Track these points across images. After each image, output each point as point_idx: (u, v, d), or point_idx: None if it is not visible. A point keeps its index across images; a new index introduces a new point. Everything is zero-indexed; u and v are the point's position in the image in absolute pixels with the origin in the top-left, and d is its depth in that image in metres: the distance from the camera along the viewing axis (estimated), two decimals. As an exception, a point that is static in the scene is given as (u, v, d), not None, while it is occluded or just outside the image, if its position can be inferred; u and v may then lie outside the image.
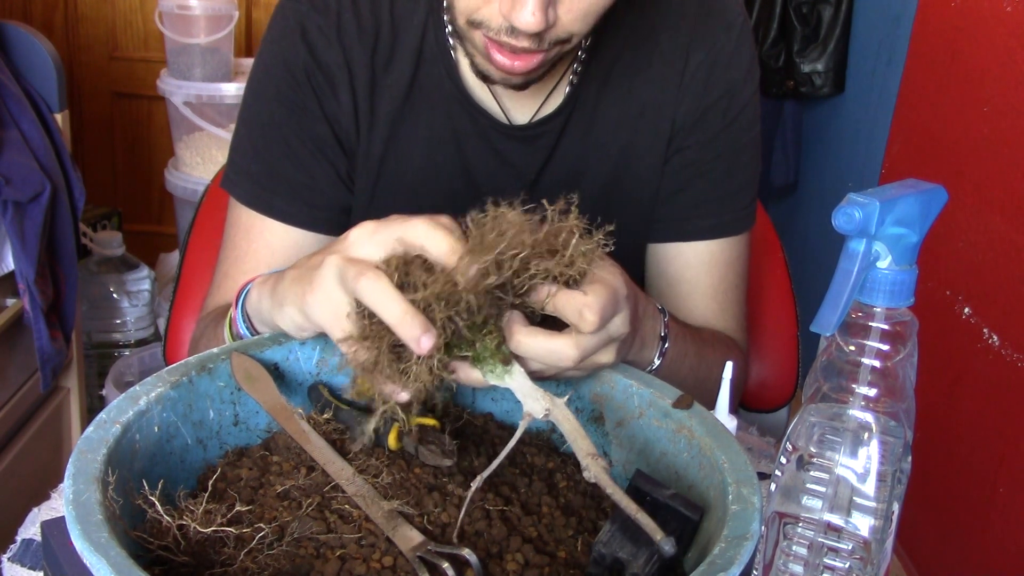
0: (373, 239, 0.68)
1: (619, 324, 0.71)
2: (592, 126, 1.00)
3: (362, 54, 0.96)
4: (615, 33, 0.98)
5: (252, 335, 0.81)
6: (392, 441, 0.70)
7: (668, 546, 0.58)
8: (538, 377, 0.70)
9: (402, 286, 0.65)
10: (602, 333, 0.70)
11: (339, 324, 0.67)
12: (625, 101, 1.00)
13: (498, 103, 0.98)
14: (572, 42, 0.84)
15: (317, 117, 0.97)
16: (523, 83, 0.88)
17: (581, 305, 0.67)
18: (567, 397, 0.67)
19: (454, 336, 0.65)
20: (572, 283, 0.68)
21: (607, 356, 0.72)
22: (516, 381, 0.67)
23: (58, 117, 1.87)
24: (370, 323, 0.66)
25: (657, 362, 0.86)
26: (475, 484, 0.64)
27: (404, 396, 0.65)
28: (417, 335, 0.63)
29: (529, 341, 0.67)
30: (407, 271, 0.66)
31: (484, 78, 0.90)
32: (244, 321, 0.81)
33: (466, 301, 0.64)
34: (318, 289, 0.68)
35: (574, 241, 0.67)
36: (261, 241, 0.99)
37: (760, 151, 1.06)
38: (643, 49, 0.99)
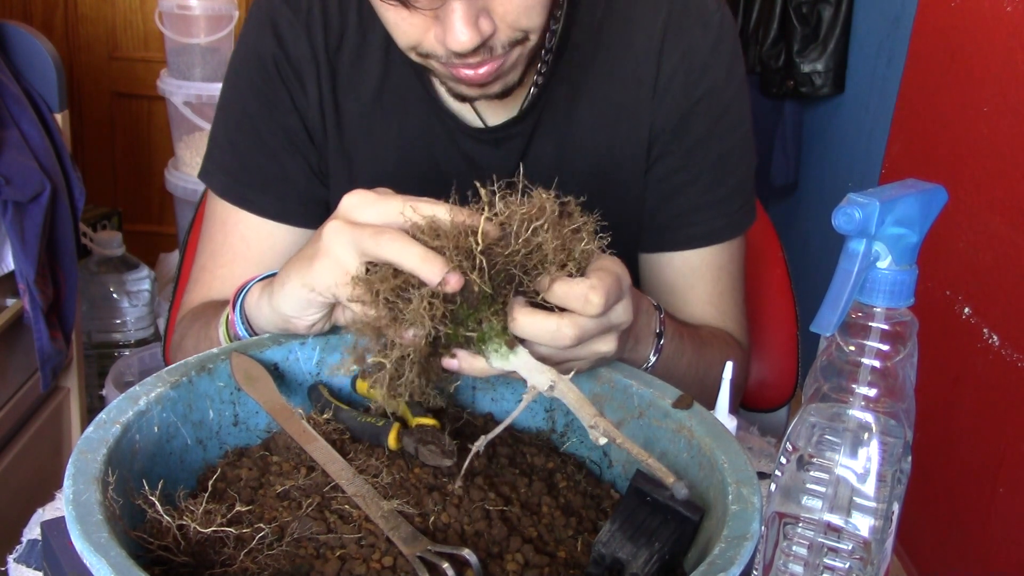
0: (375, 207, 0.69)
1: (620, 312, 0.71)
2: (567, 129, 0.98)
3: (327, 48, 0.96)
4: (586, 33, 0.96)
5: (251, 336, 0.81)
6: (392, 441, 0.70)
7: (682, 488, 0.59)
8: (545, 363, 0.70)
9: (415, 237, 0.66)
10: (603, 319, 0.69)
11: (346, 285, 0.68)
12: (600, 105, 0.97)
13: (472, 105, 0.97)
14: (532, 39, 0.83)
15: (287, 109, 0.97)
16: (501, 90, 0.87)
17: (586, 288, 0.67)
18: (571, 373, 0.67)
19: (463, 303, 0.65)
20: (573, 275, 0.69)
21: (608, 345, 0.72)
22: (521, 359, 0.67)
23: (58, 117, 1.87)
24: (372, 275, 0.66)
25: (653, 359, 0.86)
26: (478, 445, 0.65)
27: (410, 334, 0.65)
28: (439, 271, 0.64)
29: (528, 320, 0.67)
30: (415, 235, 0.67)
31: (462, 99, 0.90)
32: (243, 323, 0.81)
33: (479, 260, 0.65)
34: (325, 256, 0.69)
35: (586, 238, 0.68)
36: (236, 234, 0.99)
37: (752, 149, 1.03)
38: (616, 50, 0.97)
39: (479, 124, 0.98)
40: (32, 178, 1.67)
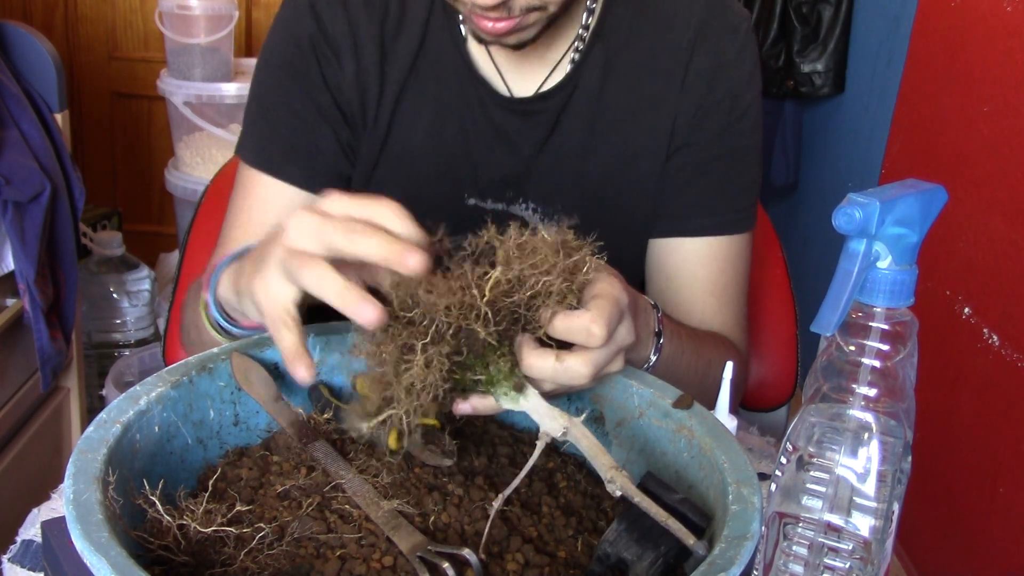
0: (314, 235, 0.65)
1: (624, 333, 0.71)
2: (597, 112, 1.01)
3: (370, 24, 0.99)
4: (622, 23, 1.01)
5: (226, 320, 0.80)
6: (392, 441, 0.70)
7: (702, 549, 0.58)
8: (551, 395, 0.69)
9: (413, 296, 0.64)
10: (611, 345, 0.69)
11: (282, 318, 0.66)
12: (630, 92, 1.01)
13: (501, 76, 1.00)
14: (550, 9, 0.87)
15: (319, 86, 1.00)
16: (516, 44, 0.91)
17: (588, 322, 0.66)
18: (584, 415, 0.66)
19: (469, 353, 0.65)
20: (573, 300, 0.68)
21: (616, 364, 0.72)
22: (531, 403, 0.66)
23: (58, 117, 1.87)
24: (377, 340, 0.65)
25: (653, 358, 0.86)
26: (496, 504, 0.64)
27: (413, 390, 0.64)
28: (358, 308, 0.62)
29: (540, 364, 0.66)
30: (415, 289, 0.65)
31: (480, 40, 0.93)
32: (217, 308, 0.80)
33: (483, 311, 0.64)
34: (264, 281, 0.67)
35: (586, 268, 0.68)
36: (256, 196, 1.01)
37: (761, 159, 1.07)
38: (648, 43, 1.01)
39: (508, 94, 1.01)
40: (32, 178, 1.67)
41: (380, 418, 0.65)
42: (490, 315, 0.64)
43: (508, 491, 0.64)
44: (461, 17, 0.96)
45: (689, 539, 0.59)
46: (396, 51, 1.00)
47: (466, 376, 0.66)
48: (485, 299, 0.64)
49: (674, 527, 0.60)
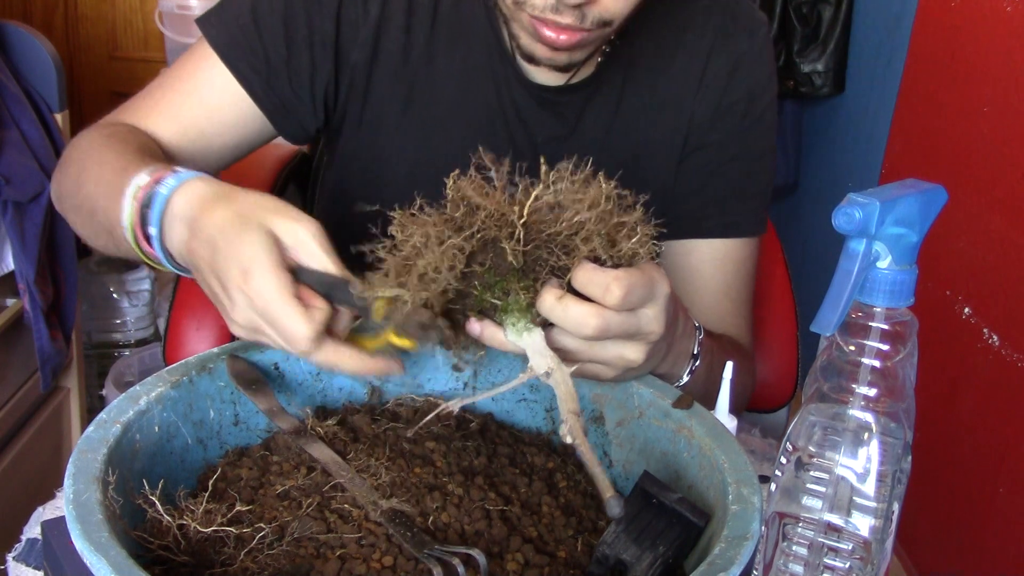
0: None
1: (650, 317, 0.69)
2: (615, 113, 1.01)
3: None
4: (642, 25, 1.01)
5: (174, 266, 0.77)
6: (377, 311, 0.67)
7: (617, 507, 0.59)
8: (567, 358, 0.69)
9: (464, 197, 0.65)
10: (630, 317, 0.68)
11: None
12: (648, 93, 1.02)
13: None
14: (613, 25, 0.86)
15: (329, 15, 0.97)
16: (567, 63, 0.90)
17: (610, 279, 0.65)
18: (574, 367, 0.66)
19: (492, 268, 0.65)
20: (606, 258, 0.68)
21: (635, 353, 0.70)
22: (532, 338, 0.66)
23: (58, 117, 1.87)
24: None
25: (686, 379, 0.85)
26: (462, 402, 0.66)
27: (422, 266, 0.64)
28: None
29: (552, 300, 0.66)
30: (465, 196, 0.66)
31: (530, 59, 0.92)
32: (161, 248, 0.76)
33: (517, 230, 0.64)
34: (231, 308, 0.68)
35: (638, 235, 0.67)
36: (207, 76, 0.97)
37: (774, 164, 1.07)
38: (668, 45, 1.02)
39: (529, 79, 1.00)
40: (32, 178, 1.67)
41: (385, 295, 0.65)
42: (521, 236, 0.64)
43: (478, 398, 0.68)
44: (511, 34, 0.93)
45: (607, 492, 0.59)
46: (427, 6, 0.98)
47: (485, 295, 0.66)
48: (523, 220, 0.64)
49: (598, 475, 0.60)
